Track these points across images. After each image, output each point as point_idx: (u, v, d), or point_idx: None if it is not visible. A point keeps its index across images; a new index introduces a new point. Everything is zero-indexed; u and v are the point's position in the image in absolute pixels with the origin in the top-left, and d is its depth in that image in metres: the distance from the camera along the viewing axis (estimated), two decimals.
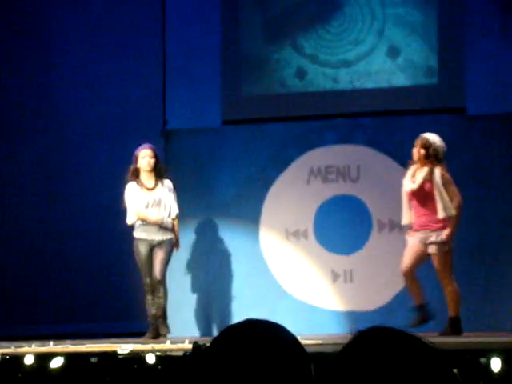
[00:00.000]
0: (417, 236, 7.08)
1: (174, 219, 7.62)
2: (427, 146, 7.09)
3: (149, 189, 7.54)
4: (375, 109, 8.67)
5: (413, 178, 7.13)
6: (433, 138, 7.16)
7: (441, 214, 6.99)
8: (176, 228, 7.66)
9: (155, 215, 7.49)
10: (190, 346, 5.07)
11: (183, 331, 7.86)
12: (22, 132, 9.27)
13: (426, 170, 7.08)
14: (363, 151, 8.61)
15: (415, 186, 7.08)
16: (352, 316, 8.33)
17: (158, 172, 7.57)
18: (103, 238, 8.80)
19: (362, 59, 8.76)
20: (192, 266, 8.66)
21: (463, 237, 8.09)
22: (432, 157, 7.09)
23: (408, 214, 7.17)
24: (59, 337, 6.83)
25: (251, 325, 1.68)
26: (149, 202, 7.52)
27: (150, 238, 7.48)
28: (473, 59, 8.44)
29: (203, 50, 9.01)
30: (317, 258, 8.64)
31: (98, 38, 9.28)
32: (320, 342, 6.06)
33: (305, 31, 8.89)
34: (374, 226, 8.54)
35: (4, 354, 5.16)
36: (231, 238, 8.77)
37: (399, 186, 7.25)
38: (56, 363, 4.98)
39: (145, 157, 7.51)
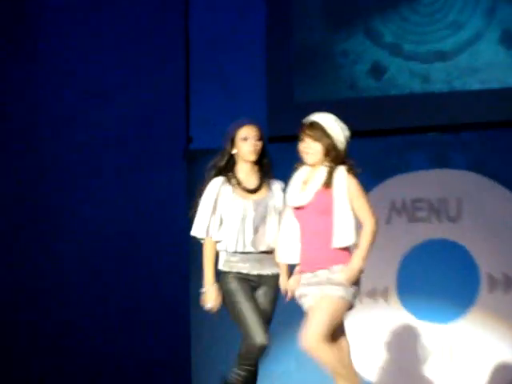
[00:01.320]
0: (310, 288, 4.86)
1: None
2: (324, 137, 4.88)
3: (249, 191, 5.27)
4: (482, 119, 7.82)
5: (304, 186, 4.97)
6: (330, 123, 4.93)
7: (335, 243, 4.79)
8: None
9: (257, 237, 5.26)
10: None
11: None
12: (32, 148, 8.92)
13: (322, 173, 4.89)
14: (465, 178, 7.86)
15: (305, 199, 4.88)
16: None
17: (265, 167, 5.31)
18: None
19: (464, 50, 7.95)
20: None
21: None
22: (333, 154, 4.88)
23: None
24: None
25: None
26: (247, 212, 5.25)
27: (250, 272, 5.26)
28: None
29: (237, 44, 8.31)
30: (401, 328, 7.79)
31: (114, 47, 8.96)
32: None
33: (383, 13, 8.10)
34: (482, 284, 7.76)
35: None
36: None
37: None
38: None
39: (248, 138, 5.18)
